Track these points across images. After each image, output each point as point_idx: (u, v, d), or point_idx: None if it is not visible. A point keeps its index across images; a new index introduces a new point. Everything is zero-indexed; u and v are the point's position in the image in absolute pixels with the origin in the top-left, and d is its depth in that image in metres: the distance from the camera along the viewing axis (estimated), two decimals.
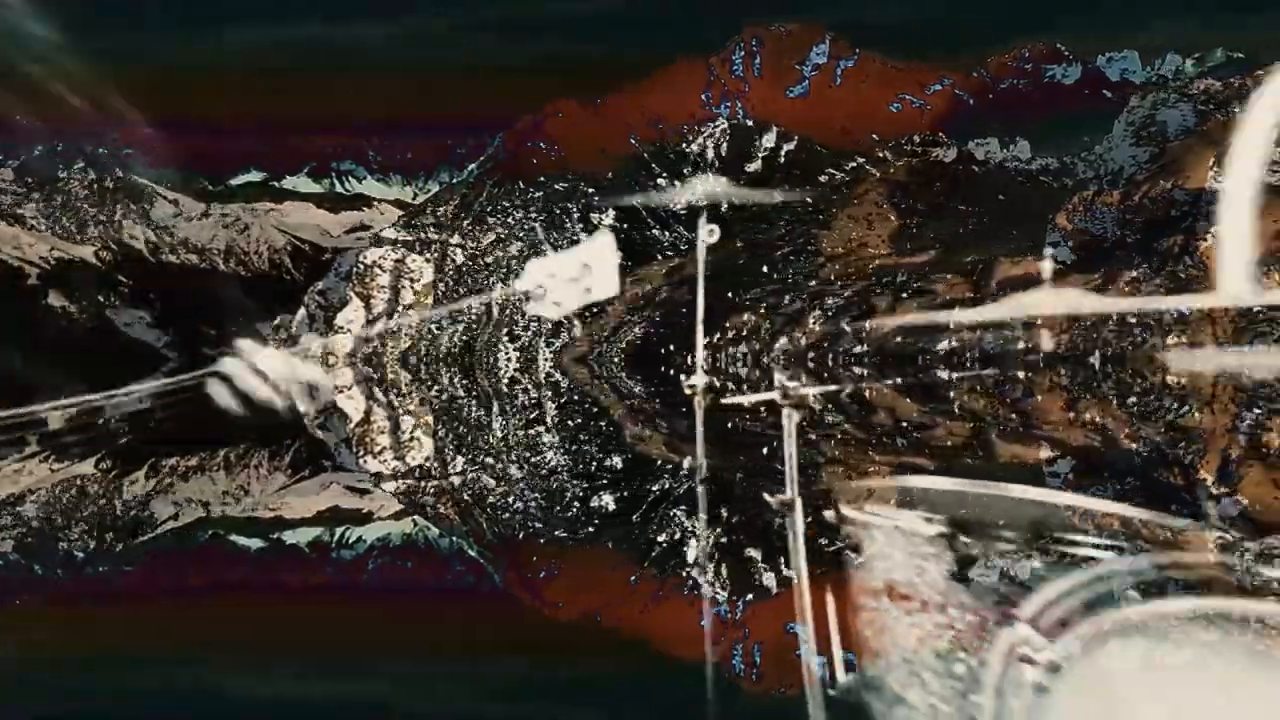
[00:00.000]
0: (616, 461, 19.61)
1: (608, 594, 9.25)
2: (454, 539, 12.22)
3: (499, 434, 27.01)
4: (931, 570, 3.48)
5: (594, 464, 19.03)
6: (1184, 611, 2.45)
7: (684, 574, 9.78)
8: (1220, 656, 2.46)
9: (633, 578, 9.74)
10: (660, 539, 11.15)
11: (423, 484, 17.19)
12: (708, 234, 7.20)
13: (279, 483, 18.96)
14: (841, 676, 3.68)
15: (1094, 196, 74.19)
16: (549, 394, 53.76)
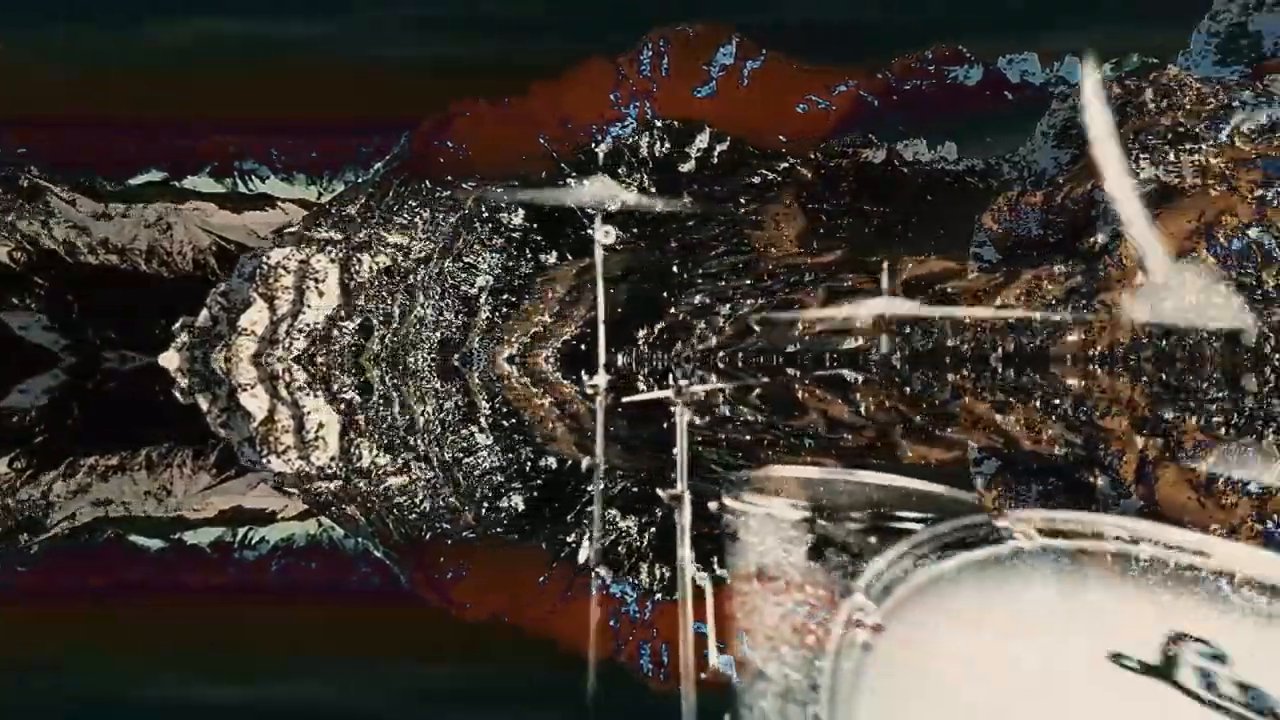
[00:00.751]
0: (552, 461, 19.54)
1: (516, 594, 9.21)
2: (359, 540, 12.07)
3: (430, 434, 26.83)
4: (795, 552, 3.65)
5: (529, 464, 18.91)
6: (973, 561, 2.72)
7: (593, 574, 9.75)
8: (1002, 591, 2.72)
9: (542, 578, 9.70)
10: (569, 539, 11.12)
11: (328, 484, 16.99)
12: (604, 235, 6.93)
13: (204, 483, 18.51)
14: (715, 660, 3.81)
15: (1018, 197, 75.59)
16: (484, 394, 53.41)
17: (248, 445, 27.03)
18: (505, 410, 40.32)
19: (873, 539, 3.47)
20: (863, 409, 32.65)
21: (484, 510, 14.91)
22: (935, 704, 2.57)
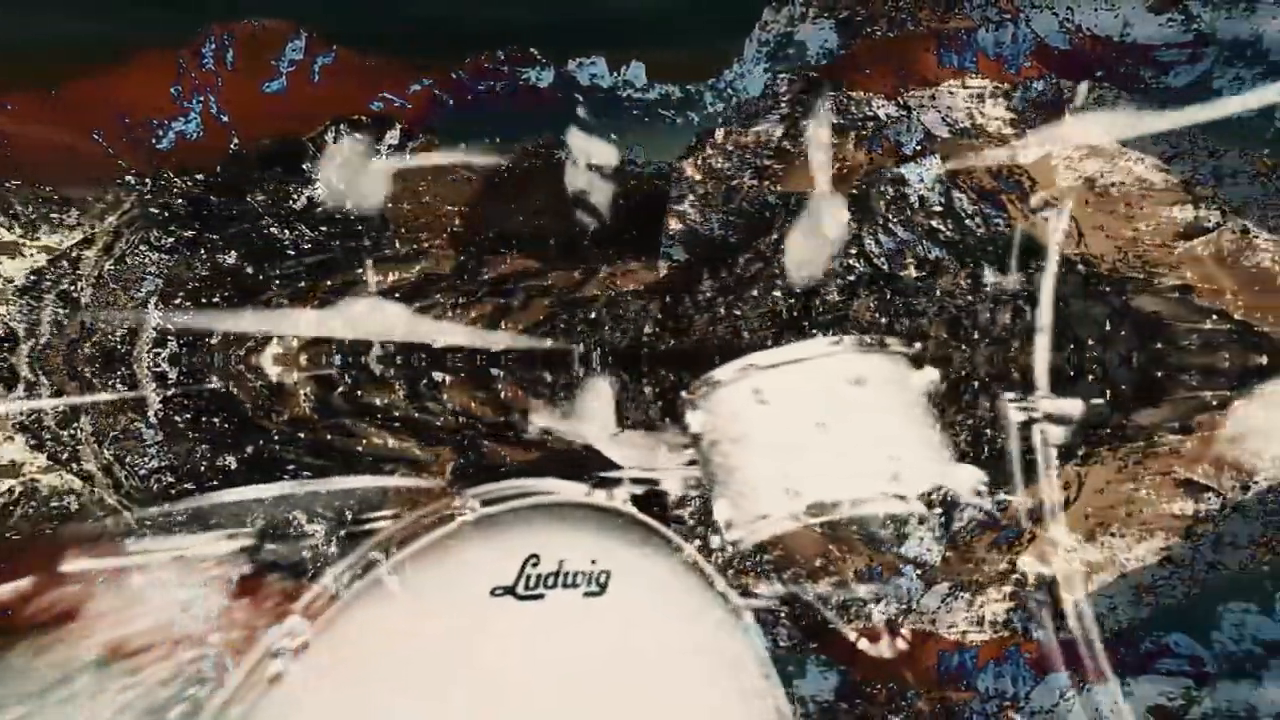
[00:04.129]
0: (230, 461, 17.84)
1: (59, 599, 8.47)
2: None
3: (88, 428, 23.86)
4: (211, 596, 3.30)
5: (204, 463, 17.12)
6: (422, 546, 2.86)
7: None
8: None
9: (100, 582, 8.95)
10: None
11: None
12: None
13: None
14: None
15: (701, 198, 77.11)
16: (155, 384, 47.93)
17: None
18: (186, 402, 36.79)
19: (334, 549, 3.40)
20: (450, 408, 32.38)
21: (149, 510, 13.57)
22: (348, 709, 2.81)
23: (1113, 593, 4.87)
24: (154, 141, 8.40)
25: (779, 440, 3.11)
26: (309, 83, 8.73)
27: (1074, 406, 3.50)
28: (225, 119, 8.53)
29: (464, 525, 3.04)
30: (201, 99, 8.75)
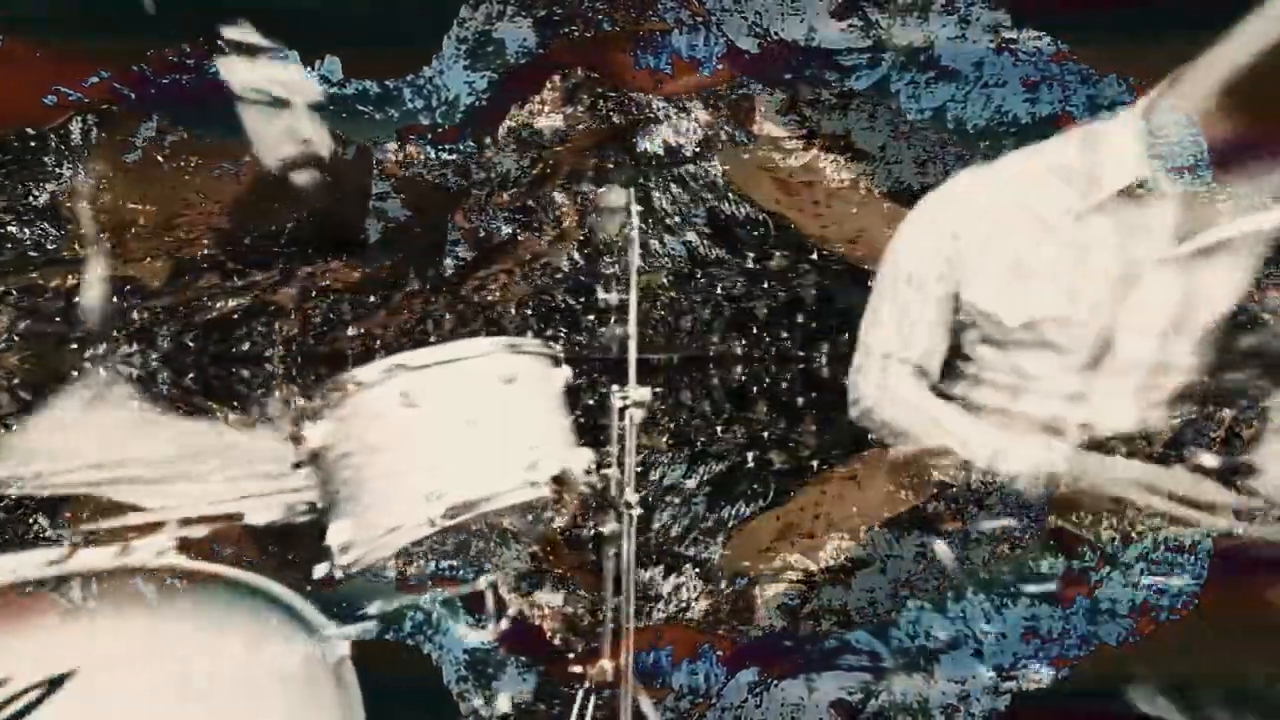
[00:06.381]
0: None
1: None
2: None
3: None
4: None
5: None
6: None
7: None
8: None
9: None
10: None
11: None
12: None
13: None
14: None
15: (487, 197, 75.00)
16: None
17: None
18: None
19: None
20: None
21: None
22: None
23: (872, 587, 5.07)
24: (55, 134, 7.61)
25: (427, 443, 3.12)
26: None
27: (646, 393, 3.55)
28: (119, 111, 7.80)
29: None
30: None
